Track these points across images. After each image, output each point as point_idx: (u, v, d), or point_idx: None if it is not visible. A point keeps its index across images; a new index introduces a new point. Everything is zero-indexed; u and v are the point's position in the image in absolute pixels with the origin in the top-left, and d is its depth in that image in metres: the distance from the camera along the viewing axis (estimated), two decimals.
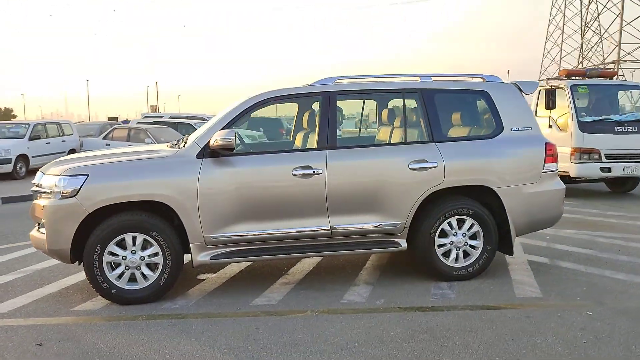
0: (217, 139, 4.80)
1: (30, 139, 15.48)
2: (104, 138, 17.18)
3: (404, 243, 5.24)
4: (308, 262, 6.09)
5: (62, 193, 4.71)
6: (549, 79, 11.15)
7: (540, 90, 11.46)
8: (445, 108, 5.52)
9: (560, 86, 11.05)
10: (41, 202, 4.85)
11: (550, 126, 11.00)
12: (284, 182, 4.98)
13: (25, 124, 16.35)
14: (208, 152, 4.90)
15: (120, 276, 4.81)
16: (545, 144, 5.48)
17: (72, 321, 4.51)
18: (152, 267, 4.87)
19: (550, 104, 10.83)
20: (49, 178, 4.87)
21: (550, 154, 5.48)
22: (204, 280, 5.57)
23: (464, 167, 5.29)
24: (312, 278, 5.56)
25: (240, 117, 5.10)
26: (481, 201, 5.37)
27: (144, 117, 22.25)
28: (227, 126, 5.00)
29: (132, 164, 4.96)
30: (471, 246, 5.35)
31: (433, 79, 5.55)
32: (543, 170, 5.44)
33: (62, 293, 5.22)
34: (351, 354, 3.77)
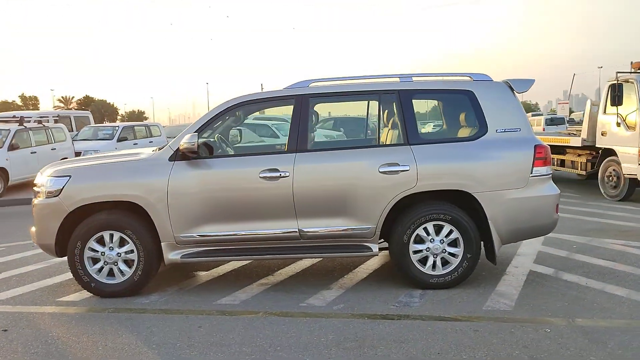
0: (182, 142, 4.99)
1: (119, 140, 16.76)
2: None
3: (375, 248, 5.13)
4: (301, 264, 6.12)
5: (48, 192, 5.15)
6: (619, 72, 10.16)
7: (608, 85, 10.53)
8: (424, 109, 5.32)
9: (629, 80, 10.09)
10: (35, 200, 5.32)
11: (618, 124, 10.10)
12: (251, 184, 5.06)
13: (115, 126, 17.71)
14: (180, 156, 5.10)
15: (99, 271, 5.16)
16: (535, 146, 5.09)
17: (49, 310, 4.92)
18: (129, 263, 5.16)
19: (616, 99, 9.97)
20: (42, 178, 5.33)
21: (540, 157, 5.08)
22: (192, 277, 5.80)
23: (438, 171, 5.06)
24: (293, 280, 5.60)
25: (212, 122, 5.24)
26: (468, 208, 5.11)
27: None
28: (199, 130, 5.16)
29: (109, 167, 5.29)
30: (450, 254, 5.11)
31: (414, 79, 5.36)
32: (531, 175, 5.06)
33: (62, 284, 5.69)
34: (263, 357, 3.78)
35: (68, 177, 5.13)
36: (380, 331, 4.18)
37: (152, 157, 5.25)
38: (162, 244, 5.11)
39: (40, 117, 15.74)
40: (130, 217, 5.12)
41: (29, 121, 14.56)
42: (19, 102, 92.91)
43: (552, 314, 4.44)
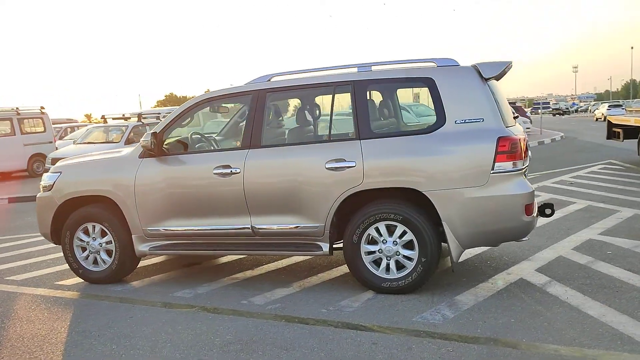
0: (141, 140, 5.24)
1: None
2: None
3: (325, 247, 4.91)
4: (290, 260, 6.05)
5: (44, 187, 5.75)
6: None
7: None
8: (379, 100, 4.94)
9: None
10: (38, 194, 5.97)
11: None
12: (206, 181, 5.14)
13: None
14: (147, 153, 5.36)
15: (86, 258, 5.65)
16: (499, 138, 4.46)
17: (40, 292, 5.50)
18: (109, 253, 5.58)
19: None
20: (45, 174, 5.96)
21: (504, 150, 4.44)
22: (178, 268, 6.06)
23: (386, 167, 4.67)
24: (264, 277, 5.57)
25: (178, 119, 5.41)
26: (428, 207, 4.67)
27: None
28: (165, 128, 5.37)
29: (91, 164, 5.73)
30: (405, 257, 4.71)
31: (373, 68, 4.99)
32: (492, 171, 4.45)
33: (69, 271, 6.25)
34: (146, 352, 3.87)
35: (59, 173, 5.68)
36: (278, 336, 4.03)
37: (126, 155, 5.58)
38: (132, 236, 5.43)
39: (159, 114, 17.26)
40: (108, 210, 5.51)
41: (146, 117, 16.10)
42: None
43: (481, 332, 3.88)
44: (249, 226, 5.04)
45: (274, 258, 6.14)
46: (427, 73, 4.75)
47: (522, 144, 4.56)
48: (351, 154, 4.73)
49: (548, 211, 5.26)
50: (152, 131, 5.24)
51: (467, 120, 4.57)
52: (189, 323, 4.39)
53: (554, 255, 5.65)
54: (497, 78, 5.71)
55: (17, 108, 17.23)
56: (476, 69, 4.67)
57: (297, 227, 4.91)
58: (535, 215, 4.64)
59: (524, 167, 4.56)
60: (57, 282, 5.80)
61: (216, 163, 5.11)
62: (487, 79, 4.65)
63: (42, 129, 18.23)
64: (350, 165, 4.70)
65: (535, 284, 4.82)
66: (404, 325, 4.09)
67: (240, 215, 5.08)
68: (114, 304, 5.01)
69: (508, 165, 4.45)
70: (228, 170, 5.03)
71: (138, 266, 5.95)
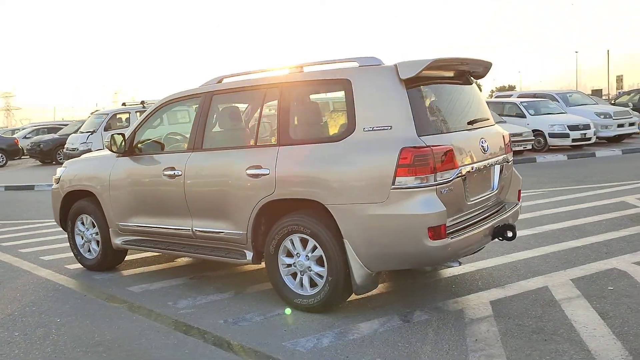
0: (105, 140, 5.57)
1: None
2: None
3: (249, 255, 4.76)
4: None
5: (54, 179, 6.42)
6: None
7: None
8: (300, 104, 4.59)
9: None
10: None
11: None
12: (157, 181, 5.29)
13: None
14: (121, 152, 5.69)
15: (82, 246, 6.20)
16: (401, 149, 3.88)
17: (44, 273, 6.18)
18: (98, 243, 6.05)
19: None
20: (58, 168, 6.62)
21: (405, 163, 3.86)
22: (163, 262, 6.33)
23: (293, 177, 4.36)
24: (223, 280, 5.55)
25: (146, 121, 5.63)
26: None
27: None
28: (135, 130, 5.63)
29: (86, 161, 6.24)
30: (317, 273, 4.38)
31: (305, 69, 4.66)
32: (393, 186, 3.90)
33: None
34: (33, 343, 4.18)
35: (65, 168, 6.31)
36: (148, 344, 4.04)
37: (109, 154, 5.97)
38: (110, 229, 5.82)
39: None
40: (94, 204, 5.97)
41: None
42: None
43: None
44: (190, 228, 5.10)
45: None
46: (346, 74, 4.30)
47: (438, 156, 3.91)
48: (268, 161, 4.50)
49: (509, 234, 4.46)
50: (112, 133, 5.56)
51: (374, 128, 4.06)
52: (97, 321, 4.56)
53: (536, 286, 4.76)
54: (478, 77, 5.02)
55: (142, 102, 18.93)
56: (396, 69, 4.11)
57: (223, 232, 4.85)
58: (452, 240, 3.95)
59: (438, 182, 3.91)
60: (66, 266, 6.44)
61: (165, 165, 5.23)
62: (404, 80, 4.06)
63: None
64: (265, 172, 4.49)
65: (463, 320, 4.12)
66: (265, 349, 3.81)
67: (184, 217, 5.15)
68: (64, 291, 5.43)
69: (409, 180, 3.86)
70: (172, 172, 5.13)
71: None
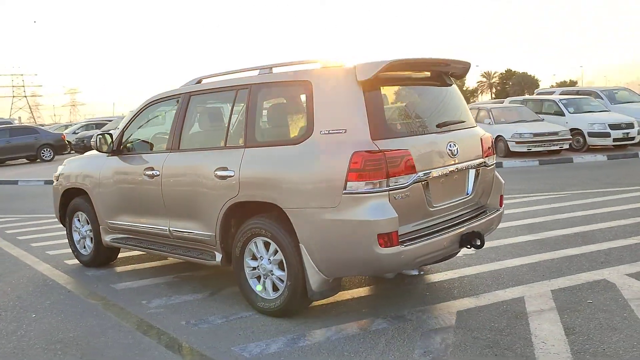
0: (92, 140, 5.68)
1: None
2: None
3: (219, 257, 4.76)
4: None
5: (55, 177, 6.61)
6: None
7: None
8: (267, 105, 4.54)
9: None
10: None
11: None
12: (139, 180, 5.36)
13: None
14: (109, 152, 5.80)
15: (79, 242, 6.38)
16: (353, 154, 3.78)
17: (42, 268, 6.38)
18: (92, 240, 6.20)
19: None
20: (59, 166, 6.80)
21: (356, 168, 3.75)
22: (163, 261, 6.42)
23: (255, 179, 4.32)
24: (197, 278, 5.59)
25: (132, 121, 5.71)
26: None
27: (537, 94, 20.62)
28: (124, 129, 5.72)
29: (81, 159, 6.38)
30: (278, 277, 4.33)
31: (274, 70, 4.60)
32: (344, 191, 3.80)
33: None
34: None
35: (64, 166, 6.49)
36: (111, 341, 4.11)
37: (101, 153, 6.08)
38: (100, 227, 5.95)
39: None
40: (87, 202, 6.12)
41: None
42: None
43: None
44: (167, 228, 5.14)
45: None
46: (307, 76, 4.22)
47: (393, 161, 3.79)
48: (234, 162, 4.49)
49: (477, 242, 4.28)
50: (98, 133, 5.67)
51: (330, 131, 3.96)
52: (74, 318, 4.66)
53: (512, 296, 4.55)
54: (457, 77, 4.86)
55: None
56: (355, 71, 4.00)
57: (194, 233, 4.87)
58: (405, 247, 3.81)
59: (391, 188, 3.78)
60: (66, 261, 6.64)
61: (146, 164, 5.30)
62: (362, 82, 3.95)
63: None
64: (230, 174, 4.47)
65: (421, 329, 3.98)
66: (211, 353, 3.80)
67: (162, 217, 5.20)
68: (52, 285, 5.58)
69: (360, 185, 3.75)
70: (152, 172, 5.19)
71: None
